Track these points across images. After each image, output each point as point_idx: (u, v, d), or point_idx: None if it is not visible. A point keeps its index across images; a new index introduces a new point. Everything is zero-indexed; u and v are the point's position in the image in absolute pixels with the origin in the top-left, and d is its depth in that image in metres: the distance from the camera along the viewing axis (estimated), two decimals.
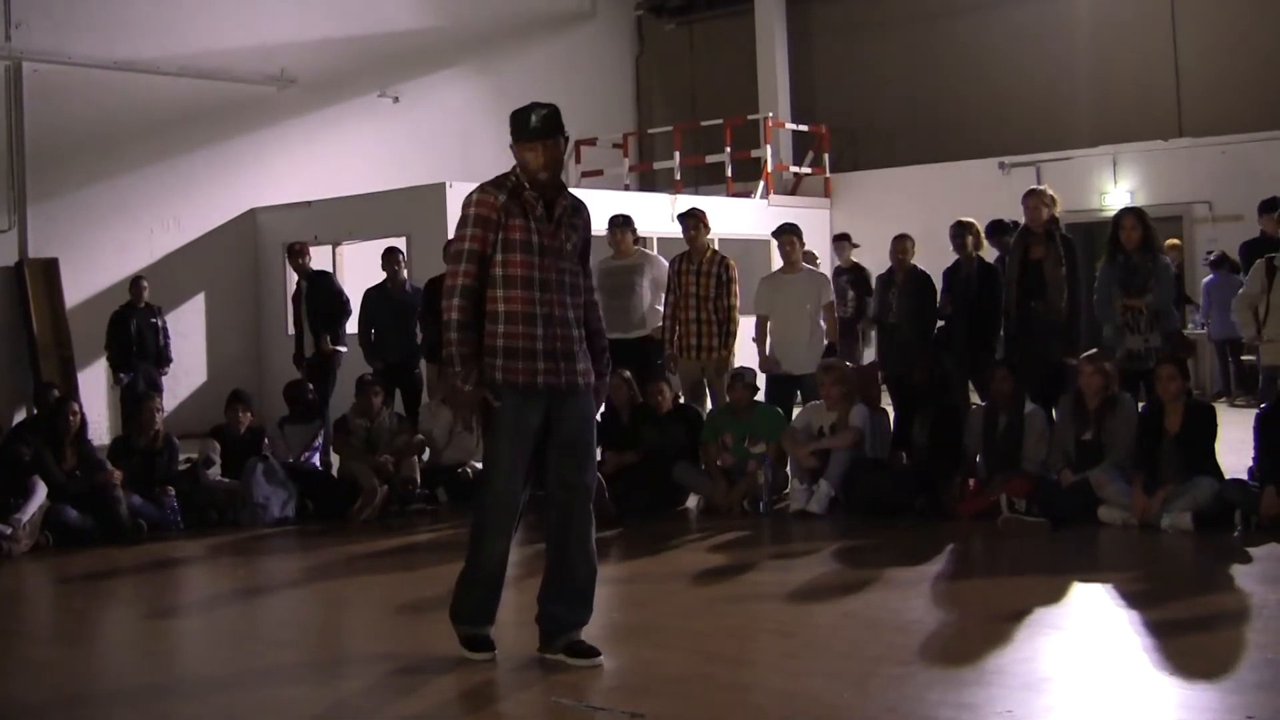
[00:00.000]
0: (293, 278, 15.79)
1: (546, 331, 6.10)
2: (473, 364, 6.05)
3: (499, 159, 17.82)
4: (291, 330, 15.13)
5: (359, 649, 7.18)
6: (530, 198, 6.12)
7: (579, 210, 6.28)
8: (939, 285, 12.14)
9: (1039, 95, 22.69)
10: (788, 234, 12.26)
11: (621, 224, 12.53)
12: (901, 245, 12.32)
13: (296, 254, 14.42)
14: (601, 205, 18.44)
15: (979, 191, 20.71)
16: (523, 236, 6.08)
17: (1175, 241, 19.11)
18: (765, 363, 12.05)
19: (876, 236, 16.17)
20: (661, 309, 12.37)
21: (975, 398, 11.82)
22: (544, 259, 6.10)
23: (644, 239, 19.71)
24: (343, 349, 14.13)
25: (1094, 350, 10.26)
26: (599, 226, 12.55)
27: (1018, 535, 9.34)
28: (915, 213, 19.87)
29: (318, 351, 14.04)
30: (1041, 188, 11.44)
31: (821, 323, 12.01)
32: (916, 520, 10.12)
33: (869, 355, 15.23)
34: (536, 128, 6.08)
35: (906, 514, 10.23)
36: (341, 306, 14.17)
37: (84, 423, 10.98)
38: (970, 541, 9.51)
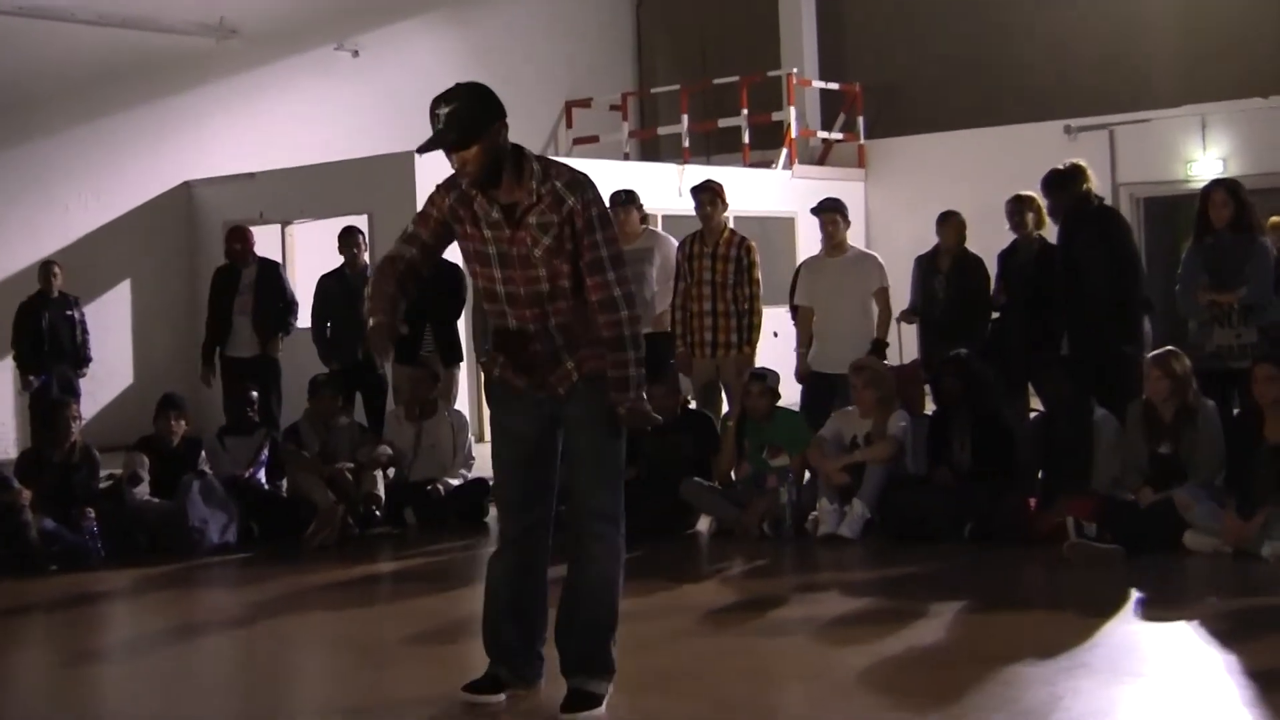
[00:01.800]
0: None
1: (523, 347, 6.21)
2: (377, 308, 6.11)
3: None
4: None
5: (310, 698, 7.19)
6: (482, 203, 6.11)
7: (561, 199, 6.07)
8: (993, 271, 12.15)
9: (1112, 45, 22.66)
10: (830, 211, 12.24)
11: (624, 202, 12.53)
12: (950, 224, 12.32)
13: (237, 254, 14.34)
14: (597, 178, 18.46)
15: (1041, 160, 20.43)
16: (476, 246, 6.16)
17: (1277, 220, 19.07)
18: (803, 367, 12.05)
19: (918, 213, 16.18)
20: (668, 298, 12.38)
21: (1036, 402, 11.83)
22: (505, 269, 6.13)
23: (647, 217, 19.83)
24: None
25: (1166, 349, 10.14)
26: None
27: (1086, 564, 9.34)
28: (965, 186, 19.87)
29: (263, 353, 14.04)
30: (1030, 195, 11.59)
31: (874, 313, 12.02)
32: (964, 546, 10.12)
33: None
34: (431, 139, 5.99)
35: (953, 539, 10.23)
36: (289, 306, 14.29)
37: None
38: (1029, 571, 9.52)
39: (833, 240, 12.24)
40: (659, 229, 14.74)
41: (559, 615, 6.36)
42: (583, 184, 6.12)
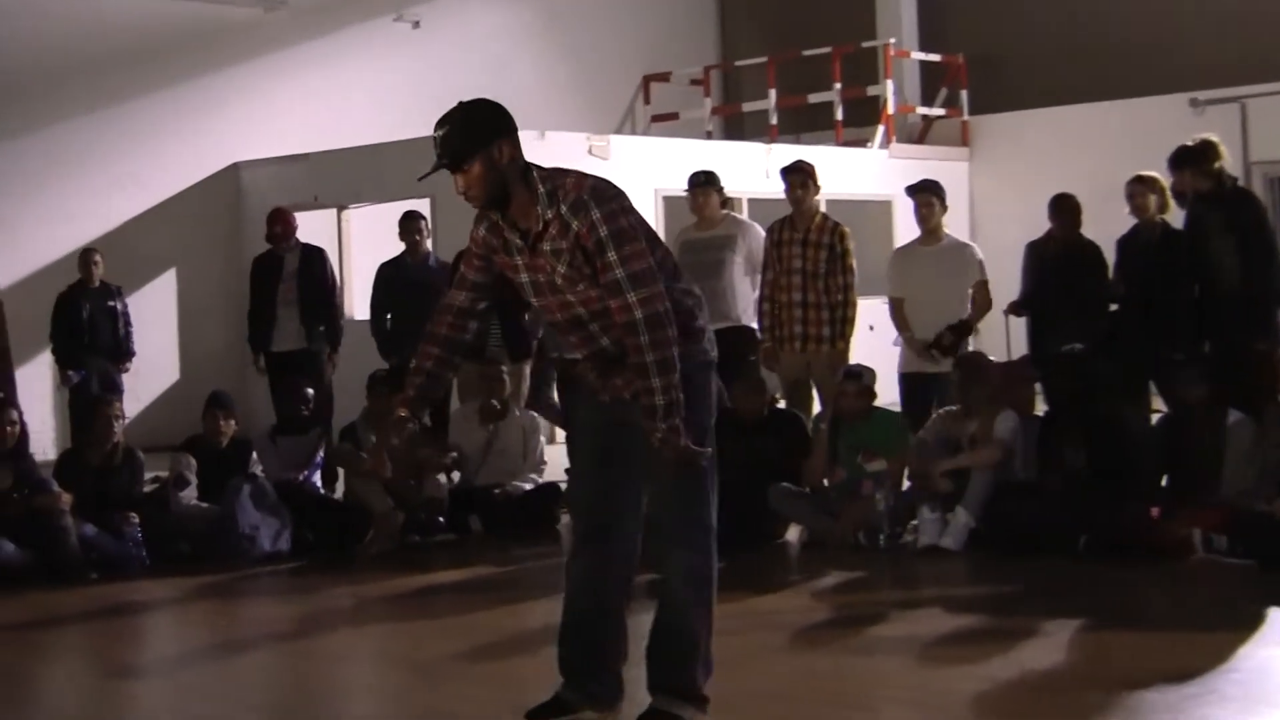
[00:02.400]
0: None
1: (578, 377, 6.33)
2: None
3: (543, 98, 17.95)
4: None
5: (361, 718, 7.19)
6: (506, 228, 6.18)
7: (567, 225, 6.01)
8: (1111, 259, 12.07)
9: (1243, 7, 22.44)
10: (925, 193, 12.20)
11: (703, 183, 12.51)
12: (1064, 207, 12.23)
13: (278, 236, 14.42)
14: (677, 158, 18.56)
15: (1163, 137, 20.27)
16: (513, 275, 6.27)
17: None
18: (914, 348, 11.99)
19: (1028, 196, 16.07)
20: (756, 292, 12.35)
21: (1159, 403, 11.75)
22: (539, 297, 6.23)
23: (731, 201, 19.80)
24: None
25: None
26: (674, 186, 12.57)
27: (1216, 581, 9.25)
28: (1079, 165, 19.72)
29: (309, 347, 14.07)
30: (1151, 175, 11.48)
31: (969, 306, 11.96)
32: (1079, 560, 10.05)
33: None
34: (434, 164, 6.11)
35: (1065, 551, 10.16)
36: (332, 295, 14.35)
37: (24, 433, 11.08)
38: (1151, 588, 9.45)
39: (927, 225, 12.20)
40: (744, 214, 14.73)
41: (650, 633, 6.35)
42: (586, 204, 6.01)
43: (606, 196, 6.05)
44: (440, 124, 6.06)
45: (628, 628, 6.40)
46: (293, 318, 14.11)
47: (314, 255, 14.51)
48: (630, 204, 6.12)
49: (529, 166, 6.10)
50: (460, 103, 6.16)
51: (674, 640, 6.25)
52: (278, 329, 14.18)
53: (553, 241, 6.04)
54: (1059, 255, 12.12)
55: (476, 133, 6.03)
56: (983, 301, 12.04)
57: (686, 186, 12.62)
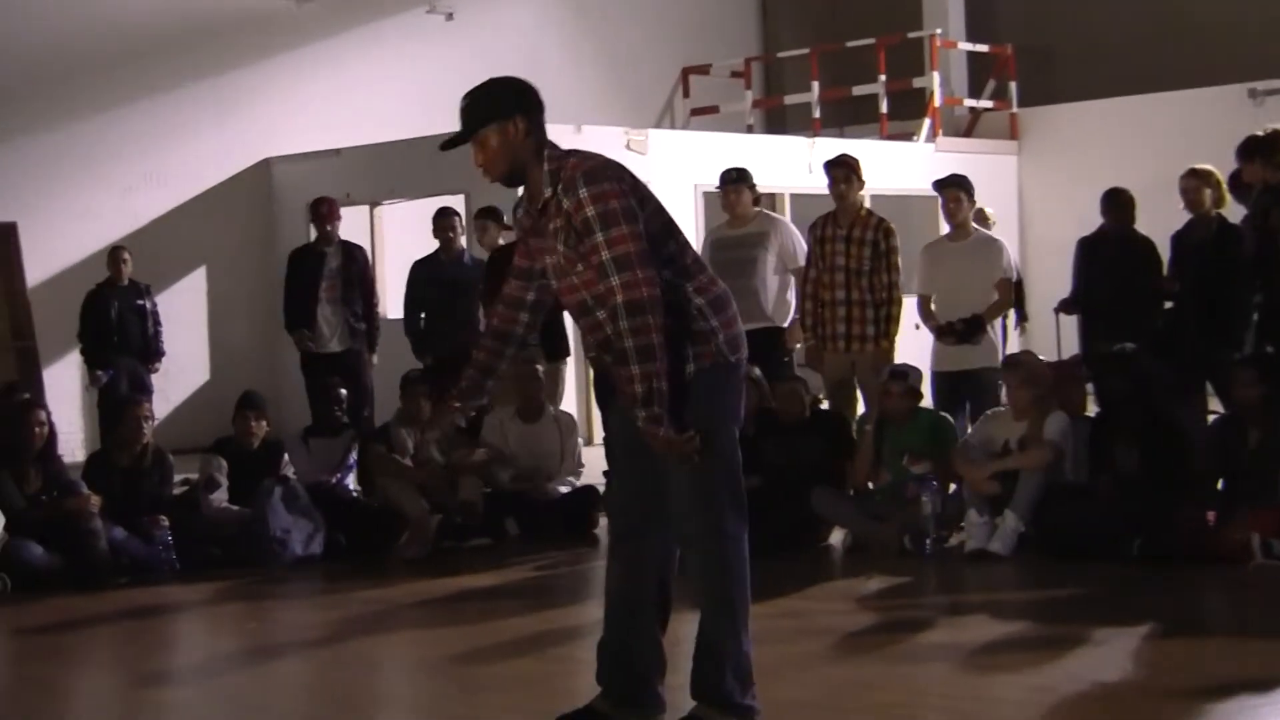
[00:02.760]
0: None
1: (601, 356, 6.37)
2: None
3: (579, 91, 17.95)
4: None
5: None
6: (529, 209, 6.30)
7: (561, 203, 6.09)
8: (1165, 255, 12.03)
9: None
10: (952, 188, 12.21)
11: (735, 180, 12.50)
12: (1117, 202, 12.20)
13: (324, 216, 14.41)
14: (716, 152, 18.54)
15: (1219, 129, 20.31)
16: (544, 258, 6.34)
17: None
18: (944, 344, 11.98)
19: (1078, 190, 16.06)
20: (790, 293, 12.34)
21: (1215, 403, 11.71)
22: (556, 280, 6.28)
23: (773, 196, 19.78)
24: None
25: None
26: (714, 181, 12.58)
27: (1275, 588, 9.22)
28: (1131, 159, 19.67)
29: (351, 348, 14.02)
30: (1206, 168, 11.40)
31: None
32: (1132, 565, 10.01)
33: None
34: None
35: (1118, 556, 10.13)
36: (373, 293, 14.29)
37: (52, 434, 11.11)
38: (1208, 594, 9.43)
39: (955, 220, 12.19)
40: (787, 209, 14.75)
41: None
42: (575, 183, 6.05)
43: (600, 178, 6.05)
44: (465, 97, 6.18)
45: (661, 636, 6.37)
46: (335, 316, 14.02)
47: (356, 252, 14.40)
48: (631, 189, 6.10)
49: (544, 145, 6.18)
50: (489, 78, 6.28)
51: (702, 647, 6.24)
52: (317, 328, 14.11)
53: (553, 220, 6.12)
54: (1112, 252, 12.08)
55: (493, 106, 6.15)
56: (1003, 298, 12.01)
57: (718, 184, 12.62)
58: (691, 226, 17.11)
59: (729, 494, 6.18)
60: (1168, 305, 12.01)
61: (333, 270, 14.08)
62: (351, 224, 17.48)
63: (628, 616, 6.34)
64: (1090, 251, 12.32)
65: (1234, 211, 11.62)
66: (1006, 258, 12.17)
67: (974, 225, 12.34)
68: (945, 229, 12.71)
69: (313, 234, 14.57)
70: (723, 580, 6.19)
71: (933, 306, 12.14)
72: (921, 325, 12.37)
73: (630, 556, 6.33)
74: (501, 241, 14.03)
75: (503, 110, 6.13)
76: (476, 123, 6.12)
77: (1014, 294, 12.23)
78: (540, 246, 6.23)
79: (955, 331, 11.80)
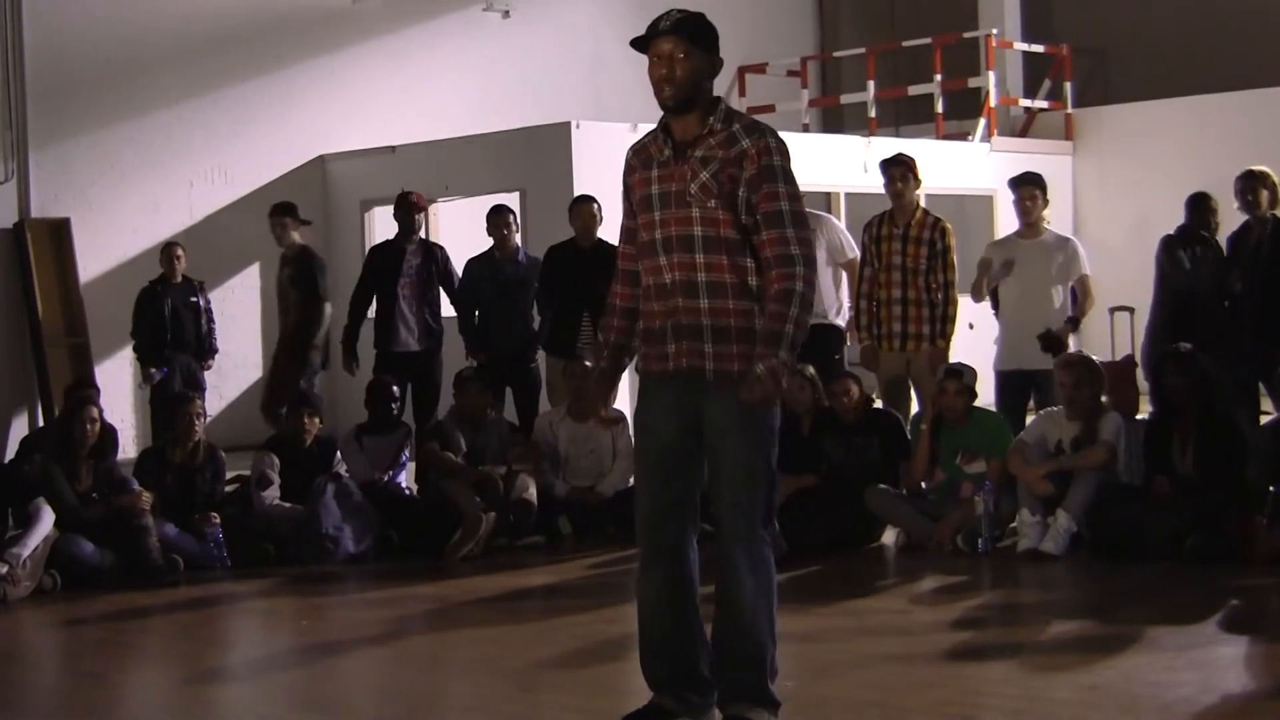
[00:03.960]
0: (374, 243, 15.87)
1: (667, 304, 6.29)
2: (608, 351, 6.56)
3: (636, 92, 17.97)
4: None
5: None
6: (658, 142, 6.34)
7: (735, 139, 6.19)
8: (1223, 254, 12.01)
9: None
10: (1028, 185, 12.17)
11: None
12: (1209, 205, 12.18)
13: (410, 209, 14.15)
14: None
15: (1277, 130, 20.35)
16: (642, 191, 6.37)
17: None
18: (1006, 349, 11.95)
19: (1134, 191, 16.02)
20: (843, 290, 12.32)
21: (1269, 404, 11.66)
22: (663, 210, 6.27)
23: (828, 195, 19.76)
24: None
25: None
26: None
27: None
28: (1188, 160, 19.60)
29: (427, 349, 13.91)
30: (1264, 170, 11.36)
31: (1069, 303, 11.92)
32: (1185, 565, 9.98)
33: None
34: (650, 27, 6.23)
35: (1171, 557, 10.10)
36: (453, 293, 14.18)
37: (105, 432, 11.13)
38: (1259, 596, 9.38)
39: (1029, 218, 12.15)
40: (842, 209, 14.73)
41: (713, 642, 6.36)
42: (764, 130, 6.21)
43: (775, 134, 6.25)
44: (679, 10, 6.25)
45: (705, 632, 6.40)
46: (412, 316, 13.97)
47: (437, 251, 14.29)
48: None
49: (718, 99, 6.32)
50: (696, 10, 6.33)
51: (742, 648, 6.25)
52: (395, 327, 14.00)
53: (709, 149, 6.17)
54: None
55: (710, 33, 6.28)
56: (1085, 296, 11.99)
57: None
58: None
59: (770, 494, 6.29)
60: (1225, 305, 11.97)
61: (412, 268, 14.01)
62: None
63: (674, 632, 6.33)
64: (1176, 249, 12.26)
65: None
66: (1083, 256, 12.15)
67: (1046, 225, 12.30)
68: (1001, 229, 12.67)
69: (369, 238, 14.46)
70: (765, 583, 6.25)
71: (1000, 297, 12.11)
72: (976, 325, 12.33)
73: (667, 577, 6.32)
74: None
75: (714, 43, 6.28)
76: (695, 35, 6.18)
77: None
78: (653, 176, 6.25)
79: (1053, 338, 11.76)
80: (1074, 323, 11.90)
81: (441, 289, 13.99)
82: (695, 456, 6.31)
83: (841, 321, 12.78)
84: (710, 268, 6.17)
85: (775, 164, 6.13)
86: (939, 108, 23.15)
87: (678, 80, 6.14)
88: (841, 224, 12.70)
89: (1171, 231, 12.50)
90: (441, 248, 14.29)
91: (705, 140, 6.18)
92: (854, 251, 12.49)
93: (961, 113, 23.36)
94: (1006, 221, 15.94)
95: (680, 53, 6.14)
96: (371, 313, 14.00)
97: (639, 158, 6.36)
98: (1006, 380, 12.06)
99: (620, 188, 6.50)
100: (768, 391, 6.00)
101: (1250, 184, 11.82)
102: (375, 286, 14.06)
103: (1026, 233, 12.21)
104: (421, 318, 13.86)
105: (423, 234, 14.46)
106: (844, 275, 12.58)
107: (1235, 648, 8.10)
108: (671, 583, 6.32)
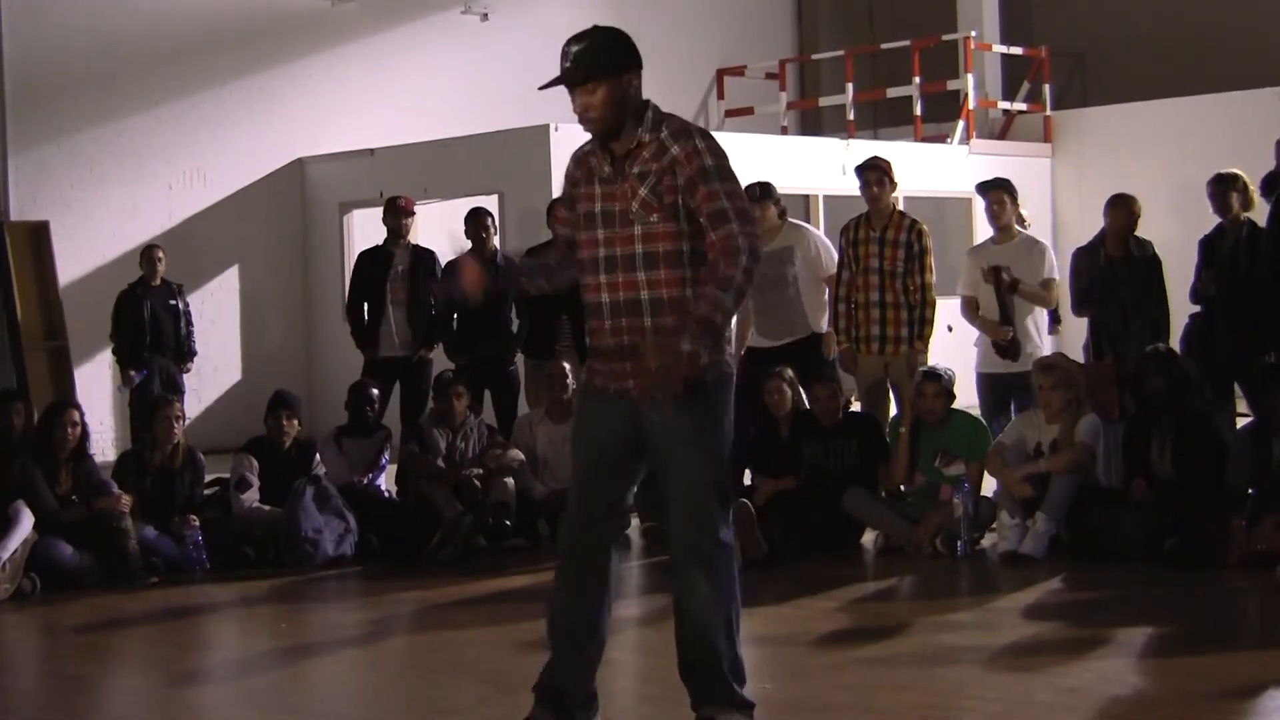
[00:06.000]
0: (353, 247, 15.85)
1: (615, 323, 6.22)
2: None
3: None
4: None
5: None
6: (598, 158, 6.27)
7: (664, 147, 6.10)
8: (1193, 259, 12.02)
9: None
10: (996, 190, 12.20)
11: (759, 197, 12.41)
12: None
13: (401, 211, 14.19)
14: (751, 154, 18.54)
15: (1252, 132, 20.32)
16: (586, 207, 6.28)
17: None
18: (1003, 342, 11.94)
19: (1112, 193, 15.96)
20: (822, 301, 12.34)
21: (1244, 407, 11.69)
22: (606, 229, 6.20)
23: (807, 198, 19.78)
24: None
25: None
26: (747, 183, 12.55)
27: None
28: (1166, 162, 19.65)
29: (417, 354, 13.92)
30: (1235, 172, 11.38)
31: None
32: (1163, 568, 9.99)
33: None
34: (556, 76, 6.16)
35: (1149, 559, 10.12)
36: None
37: (84, 434, 11.13)
38: (1237, 598, 9.41)
39: (999, 222, 12.18)
40: (820, 212, 14.74)
41: (676, 648, 6.33)
42: (691, 133, 6.12)
43: (705, 134, 6.16)
44: (576, 40, 6.12)
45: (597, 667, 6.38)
46: (400, 320, 13.98)
47: (426, 255, 14.27)
48: None
49: (646, 102, 6.21)
50: (596, 26, 6.24)
51: (698, 654, 6.21)
52: (382, 331, 14.04)
53: (643, 164, 6.09)
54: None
55: (615, 56, 6.15)
56: (1048, 295, 12.01)
57: None
58: None
59: (726, 502, 6.19)
60: (1197, 309, 11.99)
61: (399, 273, 14.03)
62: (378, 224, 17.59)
63: (579, 642, 6.30)
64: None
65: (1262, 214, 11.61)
66: (1050, 259, 12.18)
67: (1018, 228, 12.31)
68: (980, 231, 12.70)
69: (349, 242, 14.46)
70: (720, 587, 6.16)
71: (979, 310, 12.12)
72: (954, 327, 12.35)
73: (578, 578, 6.28)
74: None
75: (624, 63, 6.14)
76: (598, 72, 6.07)
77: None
78: (596, 193, 6.20)
79: (1004, 277, 11.76)
80: (1010, 347, 11.86)
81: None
82: (629, 469, 6.28)
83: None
84: (652, 285, 6.11)
85: (708, 165, 6.04)
86: (918, 110, 23.17)
87: (597, 118, 6.09)
88: (822, 234, 12.68)
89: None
90: (431, 252, 14.28)
91: (639, 154, 6.10)
92: (834, 267, 12.45)
93: (940, 115, 23.38)
94: (984, 224, 15.96)
95: (589, 93, 6.08)
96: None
97: (580, 169, 6.29)
98: (988, 383, 12.08)
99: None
100: (669, 376, 5.87)
101: (1221, 188, 11.86)
102: (364, 291, 14.07)
103: (1000, 237, 12.23)
104: (410, 322, 13.86)
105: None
106: (826, 288, 12.57)
107: (1214, 650, 8.10)
108: (580, 587, 6.28)
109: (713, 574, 6.15)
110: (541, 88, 6.24)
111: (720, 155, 6.09)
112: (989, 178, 12.59)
